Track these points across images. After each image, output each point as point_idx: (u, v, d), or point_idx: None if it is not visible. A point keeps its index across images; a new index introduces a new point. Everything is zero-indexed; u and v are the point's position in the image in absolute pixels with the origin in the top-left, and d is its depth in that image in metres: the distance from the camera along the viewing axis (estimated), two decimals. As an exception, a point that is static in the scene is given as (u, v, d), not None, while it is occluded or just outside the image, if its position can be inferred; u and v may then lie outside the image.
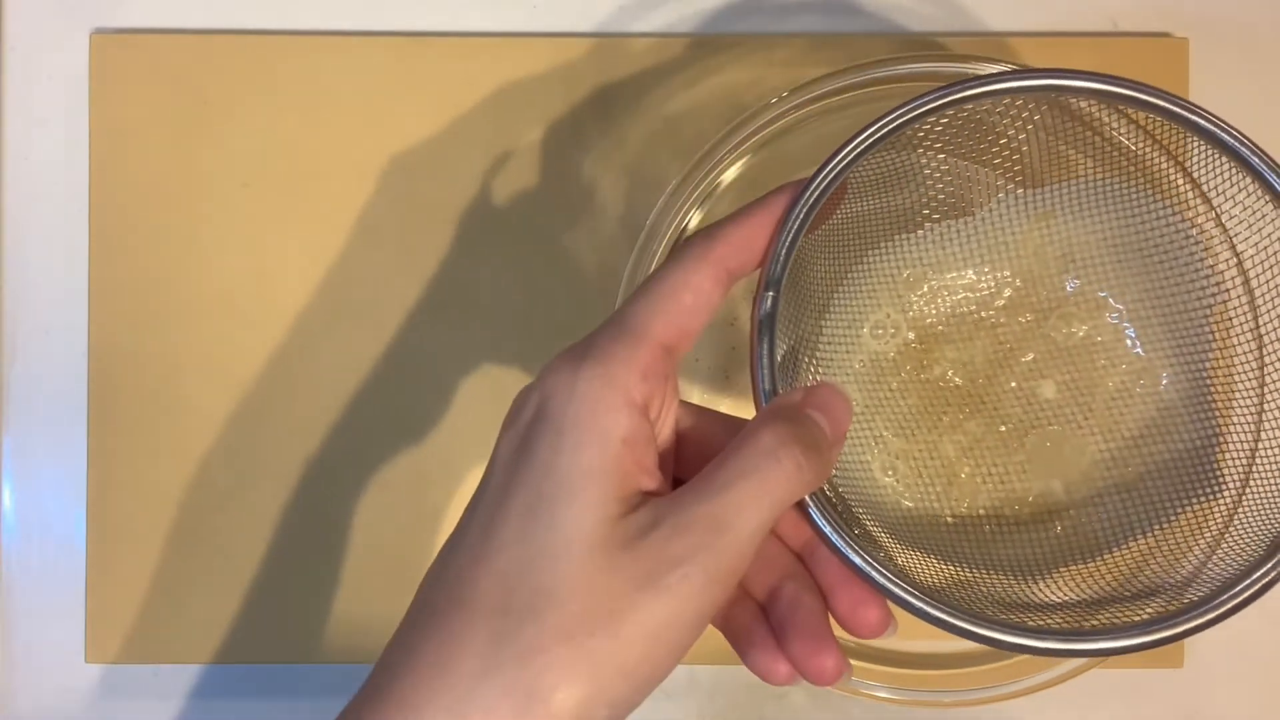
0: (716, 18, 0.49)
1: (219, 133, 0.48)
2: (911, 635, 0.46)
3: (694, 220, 0.45)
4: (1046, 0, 0.49)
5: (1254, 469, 0.36)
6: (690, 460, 0.33)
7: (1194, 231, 0.37)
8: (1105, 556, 0.37)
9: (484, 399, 0.48)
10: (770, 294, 0.33)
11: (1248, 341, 0.37)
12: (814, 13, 0.49)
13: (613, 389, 0.30)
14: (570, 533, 0.28)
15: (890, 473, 0.39)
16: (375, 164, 0.48)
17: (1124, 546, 0.37)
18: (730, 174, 0.45)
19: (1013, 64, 0.41)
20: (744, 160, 0.45)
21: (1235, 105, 0.48)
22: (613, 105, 0.48)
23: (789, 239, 0.33)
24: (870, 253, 0.39)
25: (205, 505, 0.48)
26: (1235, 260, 0.37)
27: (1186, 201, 0.37)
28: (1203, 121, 0.34)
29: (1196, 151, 0.35)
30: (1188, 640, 0.48)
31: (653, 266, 0.44)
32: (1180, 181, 0.37)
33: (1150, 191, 0.37)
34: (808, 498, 0.32)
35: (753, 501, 0.29)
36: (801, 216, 0.33)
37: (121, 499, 0.48)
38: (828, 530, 0.32)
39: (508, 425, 0.31)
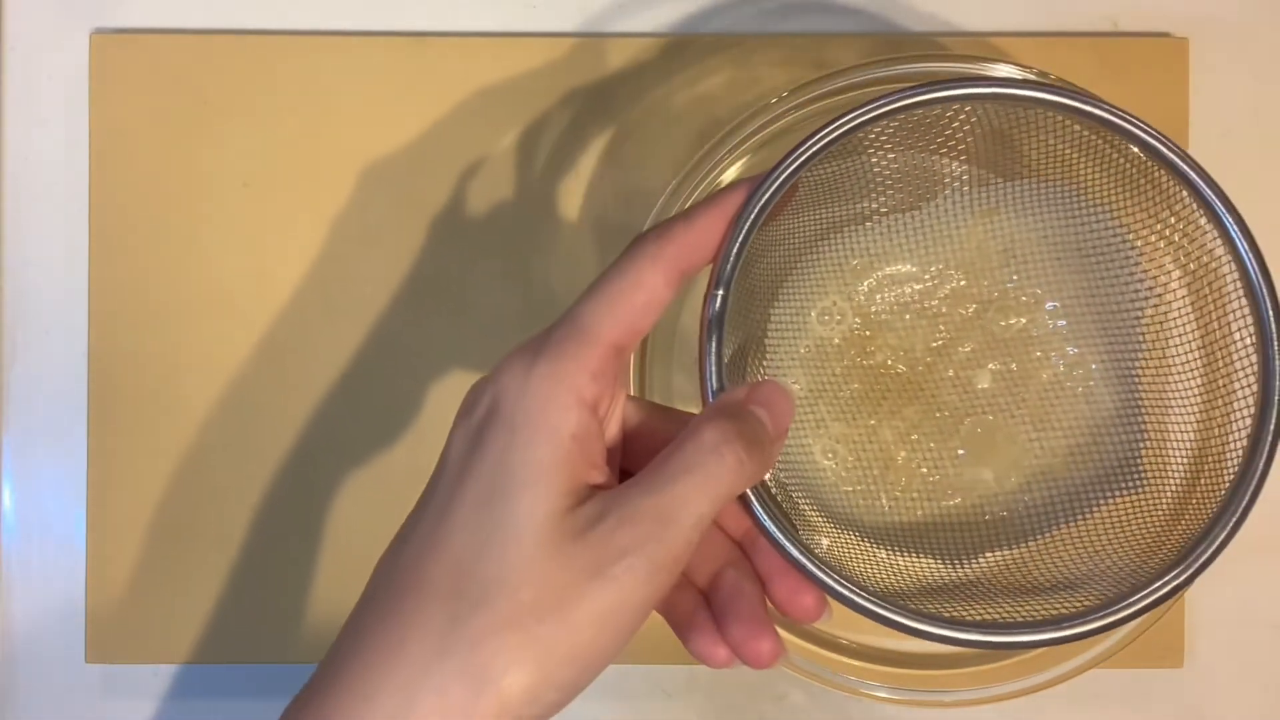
0: (716, 18, 0.49)
1: (219, 133, 0.48)
2: (910, 635, 0.46)
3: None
4: (1046, 0, 0.49)
5: (1178, 467, 0.37)
6: (638, 454, 0.34)
7: (1130, 236, 0.38)
8: (1030, 543, 0.38)
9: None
10: (720, 293, 0.33)
11: (1178, 344, 0.38)
12: (815, 13, 0.49)
13: (563, 387, 0.30)
14: (521, 524, 0.29)
15: (831, 456, 0.40)
16: (375, 164, 0.48)
17: (1048, 535, 0.38)
18: (730, 174, 0.45)
19: (997, 64, 0.41)
20: (744, 160, 0.45)
21: (1235, 105, 0.49)
22: (612, 104, 0.48)
23: (740, 239, 0.33)
24: (821, 243, 0.40)
25: (206, 505, 0.48)
26: (1169, 266, 0.38)
27: (1125, 206, 0.38)
28: (1140, 132, 0.34)
29: (1138, 160, 0.36)
30: (1188, 640, 0.48)
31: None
32: (1119, 186, 0.37)
33: (1089, 195, 0.38)
34: (749, 491, 0.32)
35: (696, 495, 0.29)
36: (753, 216, 0.33)
37: (121, 499, 0.48)
38: (768, 523, 0.33)
39: (461, 418, 0.32)
